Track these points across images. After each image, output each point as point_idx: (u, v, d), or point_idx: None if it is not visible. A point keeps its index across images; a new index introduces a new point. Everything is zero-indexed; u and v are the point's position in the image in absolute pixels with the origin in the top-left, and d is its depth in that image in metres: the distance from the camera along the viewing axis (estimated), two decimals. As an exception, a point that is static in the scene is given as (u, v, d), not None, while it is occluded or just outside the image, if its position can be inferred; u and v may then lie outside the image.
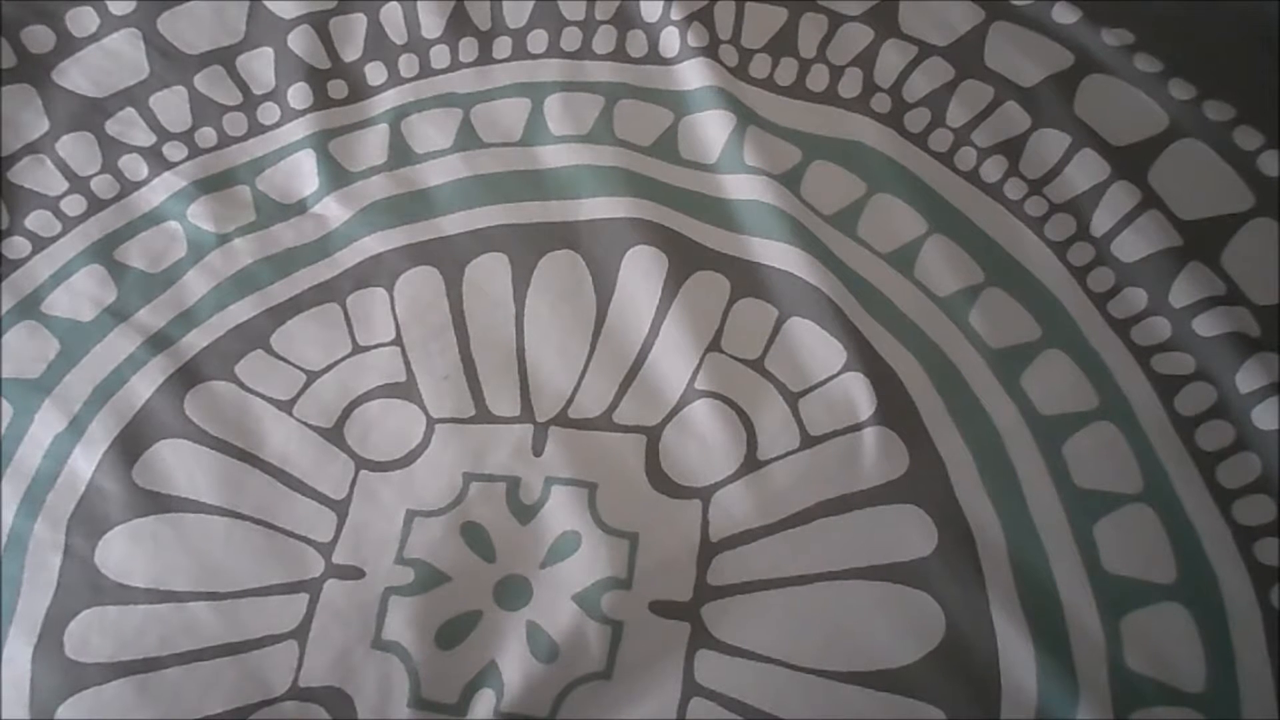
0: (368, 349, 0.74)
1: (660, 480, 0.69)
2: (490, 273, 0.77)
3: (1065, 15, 0.85)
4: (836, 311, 0.72)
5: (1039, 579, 0.64)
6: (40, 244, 0.79)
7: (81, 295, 0.77)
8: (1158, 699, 0.61)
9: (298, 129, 0.83)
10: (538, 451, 0.70)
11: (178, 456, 0.70)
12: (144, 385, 0.73)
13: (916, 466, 0.68)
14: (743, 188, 0.78)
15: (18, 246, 0.79)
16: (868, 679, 0.62)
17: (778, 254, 0.75)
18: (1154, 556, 0.65)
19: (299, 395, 0.72)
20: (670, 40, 0.85)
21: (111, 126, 0.84)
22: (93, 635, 0.65)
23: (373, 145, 0.83)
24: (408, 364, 0.74)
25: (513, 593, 0.65)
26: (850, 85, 0.83)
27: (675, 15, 0.85)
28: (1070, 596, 0.64)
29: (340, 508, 0.69)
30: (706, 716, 0.61)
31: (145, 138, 0.84)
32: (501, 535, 0.67)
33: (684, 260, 0.76)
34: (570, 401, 0.72)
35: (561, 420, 0.71)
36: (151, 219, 0.80)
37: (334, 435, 0.71)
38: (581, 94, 0.84)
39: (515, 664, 0.63)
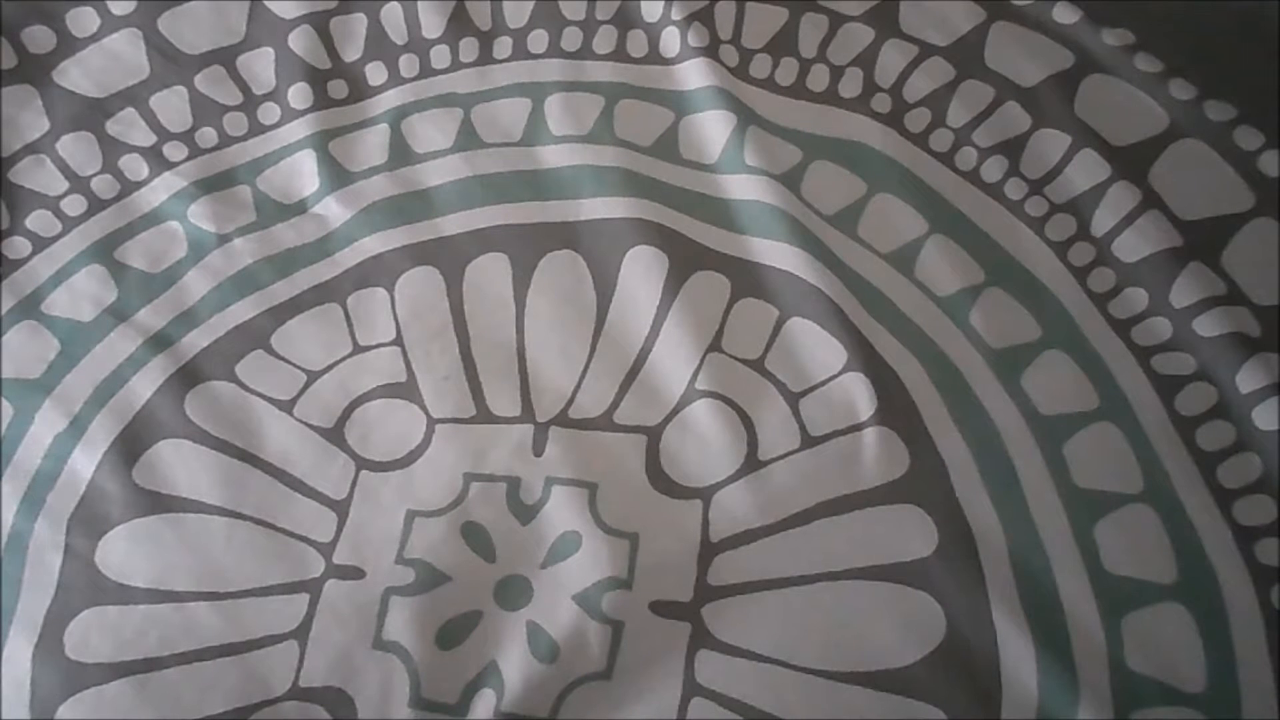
0: (368, 349, 0.74)
1: (661, 480, 0.69)
2: (491, 273, 0.77)
3: (1066, 15, 0.85)
4: (837, 311, 0.72)
5: (1039, 579, 0.64)
6: (41, 244, 0.79)
7: (82, 295, 0.77)
8: (1158, 699, 0.61)
9: (298, 129, 0.83)
10: (538, 451, 0.70)
11: (178, 456, 0.70)
12: (144, 385, 0.73)
13: (917, 466, 0.68)
14: (743, 188, 0.78)
15: (18, 246, 0.79)
16: (868, 679, 0.62)
17: (778, 254, 0.75)
18: (1154, 556, 0.65)
19: (299, 395, 0.72)
20: (671, 40, 0.85)
21: (112, 126, 0.84)
22: (93, 635, 0.65)
23: (373, 145, 0.83)
24: (408, 364, 0.73)
25: (513, 593, 0.65)
26: (851, 85, 0.83)
27: (676, 15, 0.85)
28: (1071, 596, 0.64)
29: (340, 508, 0.69)
30: (707, 716, 0.61)
31: (145, 138, 0.84)
32: (502, 535, 0.67)
33: (684, 260, 0.76)
34: (571, 401, 0.72)
35: (562, 420, 0.71)
36: (152, 219, 0.80)
37: (334, 435, 0.71)
38: (582, 94, 0.84)
39: (516, 664, 0.62)
